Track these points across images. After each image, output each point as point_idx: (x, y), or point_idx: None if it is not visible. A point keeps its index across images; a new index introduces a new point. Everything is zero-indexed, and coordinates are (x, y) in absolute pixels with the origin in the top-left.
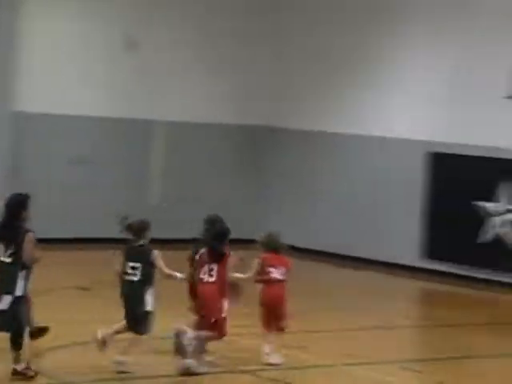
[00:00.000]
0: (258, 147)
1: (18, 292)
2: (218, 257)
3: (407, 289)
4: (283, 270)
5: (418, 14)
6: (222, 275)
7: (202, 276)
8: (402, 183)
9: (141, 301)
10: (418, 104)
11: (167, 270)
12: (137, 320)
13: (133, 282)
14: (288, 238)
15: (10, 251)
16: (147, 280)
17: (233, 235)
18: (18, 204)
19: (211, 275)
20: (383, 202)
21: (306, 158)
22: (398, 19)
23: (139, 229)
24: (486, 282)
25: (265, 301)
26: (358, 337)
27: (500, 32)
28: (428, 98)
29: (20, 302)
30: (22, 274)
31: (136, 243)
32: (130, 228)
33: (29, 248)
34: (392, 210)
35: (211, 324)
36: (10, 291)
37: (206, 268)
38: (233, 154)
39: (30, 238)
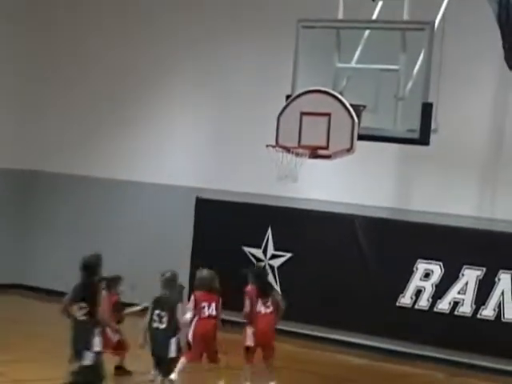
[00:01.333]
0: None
1: (97, 347)
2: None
3: None
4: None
5: (179, 66)
6: None
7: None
8: (174, 227)
9: None
10: (187, 152)
11: None
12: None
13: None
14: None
15: (84, 310)
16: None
17: None
18: (96, 264)
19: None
20: (155, 246)
21: (71, 203)
22: (160, 63)
23: None
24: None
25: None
26: None
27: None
28: (193, 146)
29: (100, 357)
30: (97, 331)
31: None
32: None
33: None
34: (164, 256)
35: None
36: (89, 347)
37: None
38: None
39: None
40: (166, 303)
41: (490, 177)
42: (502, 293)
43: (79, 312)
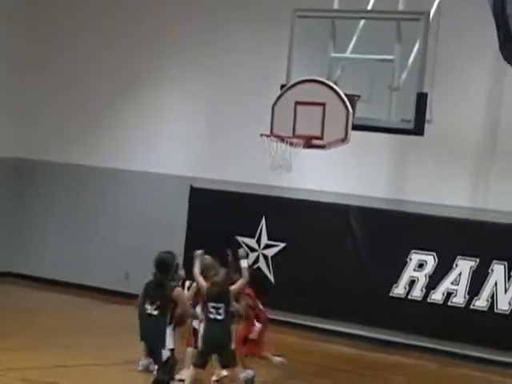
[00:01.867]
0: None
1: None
2: None
3: None
4: None
5: (175, 58)
6: None
7: None
8: (167, 217)
9: None
10: (182, 141)
11: None
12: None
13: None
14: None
15: (155, 306)
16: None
17: None
18: (171, 263)
19: None
20: (149, 235)
21: (66, 192)
22: (157, 55)
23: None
24: None
25: None
26: None
27: (255, 73)
28: (188, 135)
29: (173, 355)
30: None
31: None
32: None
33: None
34: (160, 243)
35: None
36: (164, 345)
37: None
38: None
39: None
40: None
41: (483, 167)
42: (495, 283)
43: (153, 309)
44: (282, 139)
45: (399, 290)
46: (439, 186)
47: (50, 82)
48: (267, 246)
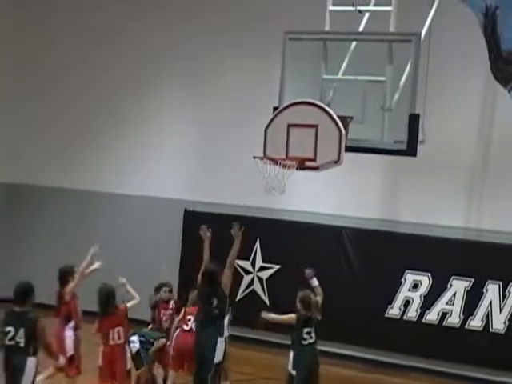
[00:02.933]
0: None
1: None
2: None
3: None
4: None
5: (168, 80)
6: None
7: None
8: (161, 240)
9: None
10: (175, 164)
11: None
12: None
13: None
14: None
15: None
16: None
17: None
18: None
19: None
20: (143, 258)
21: (57, 216)
22: (153, 84)
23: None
24: (244, 340)
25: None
26: None
27: (249, 94)
28: (182, 159)
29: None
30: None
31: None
32: None
33: None
34: (152, 268)
35: None
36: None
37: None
38: None
39: None
40: None
41: (477, 187)
42: (490, 303)
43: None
44: (275, 161)
45: (394, 310)
46: (433, 206)
47: (38, 107)
48: (262, 268)
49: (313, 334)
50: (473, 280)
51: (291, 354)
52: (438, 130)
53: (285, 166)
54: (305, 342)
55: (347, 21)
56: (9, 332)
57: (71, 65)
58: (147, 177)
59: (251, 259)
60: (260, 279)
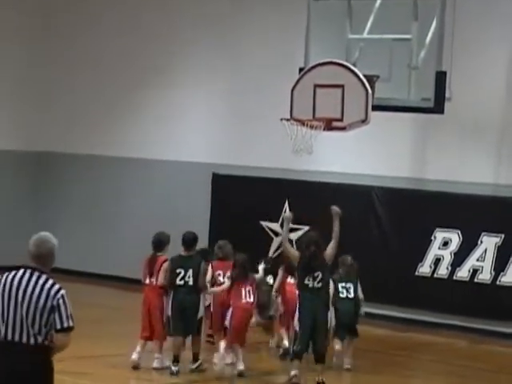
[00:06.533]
0: (38, 173)
1: None
2: None
3: None
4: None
5: (191, 45)
6: None
7: None
8: (190, 205)
9: None
10: (203, 128)
11: None
12: None
13: None
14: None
15: None
16: None
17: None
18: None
19: None
20: (172, 223)
21: (89, 183)
22: (175, 49)
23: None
24: None
25: None
26: None
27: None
28: (209, 122)
29: None
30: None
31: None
32: None
33: None
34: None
35: None
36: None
37: None
38: (11, 180)
39: None
40: None
41: (505, 143)
42: None
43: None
44: (302, 122)
45: (425, 268)
46: (462, 163)
47: (69, 73)
48: (291, 230)
49: (351, 290)
50: (503, 236)
51: None
52: (465, 87)
53: (312, 127)
54: (342, 296)
55: None
56: (179, 273)
57: (100, 29)
58: (175, 142)
59: (280, 221)
60: (289, 241)
